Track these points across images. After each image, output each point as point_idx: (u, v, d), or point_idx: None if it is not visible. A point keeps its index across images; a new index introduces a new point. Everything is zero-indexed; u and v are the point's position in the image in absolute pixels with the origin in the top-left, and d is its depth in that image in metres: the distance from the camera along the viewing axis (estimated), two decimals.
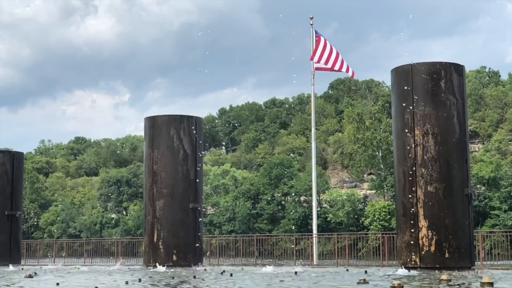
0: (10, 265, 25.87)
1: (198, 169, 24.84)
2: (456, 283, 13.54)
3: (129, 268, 23.01)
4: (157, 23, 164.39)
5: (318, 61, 31.31)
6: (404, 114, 20.10)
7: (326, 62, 31.35)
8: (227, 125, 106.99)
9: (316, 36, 31.71)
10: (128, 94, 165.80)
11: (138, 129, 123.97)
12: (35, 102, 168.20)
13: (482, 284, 11.97)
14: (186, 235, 23.95)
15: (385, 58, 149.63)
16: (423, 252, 19.12)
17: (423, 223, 19.21)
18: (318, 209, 54.10)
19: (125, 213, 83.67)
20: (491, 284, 11.87)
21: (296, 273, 18.69)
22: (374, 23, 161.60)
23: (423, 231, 19.17)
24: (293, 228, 62.07)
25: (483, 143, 74.88)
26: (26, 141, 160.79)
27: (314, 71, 31.98)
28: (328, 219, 64.18)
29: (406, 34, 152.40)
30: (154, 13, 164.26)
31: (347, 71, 32.18)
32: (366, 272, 19.04)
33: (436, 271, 17.89)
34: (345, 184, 76.30)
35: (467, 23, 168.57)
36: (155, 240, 23.79)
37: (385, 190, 65.86)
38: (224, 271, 20.06)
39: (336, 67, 31.63)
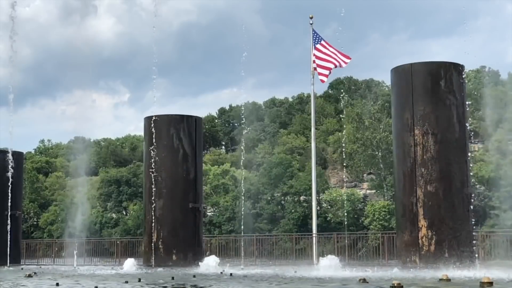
0: (9, 264, 25.86)
1: (198, 168, 24.83)
2: (455, 283, 13.54)
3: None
4: (157, 22, 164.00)
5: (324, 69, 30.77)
6: (404, 114, 20.10)
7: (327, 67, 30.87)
8: (226, 125, 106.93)
9: (316, 42, 31.28)
10: (128, 94, 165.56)
11: (138, 129, 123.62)
12: (34, 102, 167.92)
13: (482, 283, 11.97)
14: (186, 235, 23.95)
15: (385, 58, 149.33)
16: (423, 252, 19.11)
17: (423, 223, 19.19)
18: (318, 208, 54.07)
19: (124, 213, 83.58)
20: (491, 283, 11.88)
21: (295, 272, 18.70)
22: (374, 23, 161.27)
23: (423, 231, 19.16)
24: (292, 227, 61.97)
25: (483, 143, 74.79)
26: (26, 140, 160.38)
27: (314, 71, 31.87)
28: (328, 218, 64.09)
29: (406, 33, 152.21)
30: (153, 13, 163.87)
31: (343, 61, 31.35)
32: (366, 271, 19.03)
33: (436, 270, 17.86)
34: (344, 184, 76.16)
35: (467, 23, 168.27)
36: (155, 240, 23.77)
37: (385, 190, 65.78)
38: (223, 270, 20.03)
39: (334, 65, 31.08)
